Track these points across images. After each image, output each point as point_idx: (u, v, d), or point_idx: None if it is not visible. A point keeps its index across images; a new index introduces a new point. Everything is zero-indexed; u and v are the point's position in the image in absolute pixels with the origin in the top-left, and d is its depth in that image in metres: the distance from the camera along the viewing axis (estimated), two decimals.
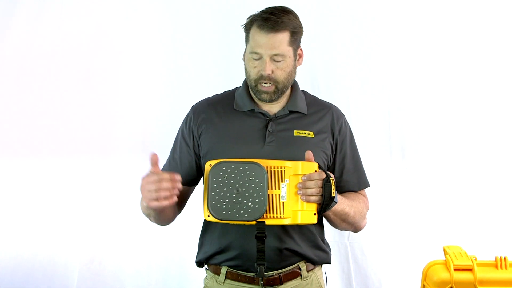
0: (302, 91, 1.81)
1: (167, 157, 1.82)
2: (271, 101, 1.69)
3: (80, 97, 2.67)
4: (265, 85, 1.65)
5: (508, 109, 2.66)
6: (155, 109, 2.70)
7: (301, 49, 1.73)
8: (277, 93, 1.67)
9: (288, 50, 1.65)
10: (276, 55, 1.62)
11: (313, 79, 2.64)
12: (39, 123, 2.66)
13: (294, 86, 1.78)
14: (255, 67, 1.65)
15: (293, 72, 1.71)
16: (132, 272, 2.64)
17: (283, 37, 1.63)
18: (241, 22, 1.71)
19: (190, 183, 1.78)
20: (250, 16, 1.68)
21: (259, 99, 1.70)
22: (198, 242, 1.80)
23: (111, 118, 2.70)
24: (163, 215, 1.70)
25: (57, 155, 2.66)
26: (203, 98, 1.83)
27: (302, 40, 1.74)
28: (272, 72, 1.64)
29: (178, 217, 2.52)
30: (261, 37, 1.62)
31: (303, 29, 1.72)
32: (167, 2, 2.71)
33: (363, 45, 2.68)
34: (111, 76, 2.70)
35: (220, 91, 1.86)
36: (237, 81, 1.86)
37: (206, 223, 1.77)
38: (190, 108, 1.81)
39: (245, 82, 1.78)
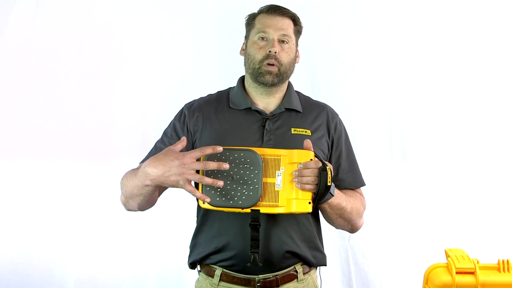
0: (296, 91, 1.83)
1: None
2: (272, 85, 1.71)
3: (78, 98, 2.66)
4: (269, 65, 1.69)
5: (510, 111, 2.65)
6: (154, 111, 2.69)
7: (298, 51, 1.79)
8: (279, 76, 1.70)
9: (292, 37, 1.74)
10: (284, 35, 1.71)
11: (313, 79, 2.64)
12: (36, 124, 2.64)
13: (289, 85, 1.80)
14: (260, 48, 1.70)
15: (294, 62, 1.76)
16: (129, 276, 2.62)
17: (289, 23, 1.74)
18: (239, 21, 1.72)
19: None
20: (252, 13, 1.76)
21: (260, 83, 1.71)
22: (190, 244, 1.78)
23: (109, 120, 2.69)
24: (153, 195, 1.63)
25: (54, 158, 2.64)
26: (196, 98, 1.83)
27: (303, 39, 1.81)
28: (278, 53, 1.69)
29: (176, 220, 2.54)
30: (269, 19, 1.72)
31: (302, 30, 1.79)
32: (166, 2, 2.69)
33: (363, 45, 2.68)
34: (109, 77, 2.69)
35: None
36: (235, 81, 1.85)
37: (200, 224, 1.75)
38: (184, 105, 1.80)
39: (240, 81, 1.81)
